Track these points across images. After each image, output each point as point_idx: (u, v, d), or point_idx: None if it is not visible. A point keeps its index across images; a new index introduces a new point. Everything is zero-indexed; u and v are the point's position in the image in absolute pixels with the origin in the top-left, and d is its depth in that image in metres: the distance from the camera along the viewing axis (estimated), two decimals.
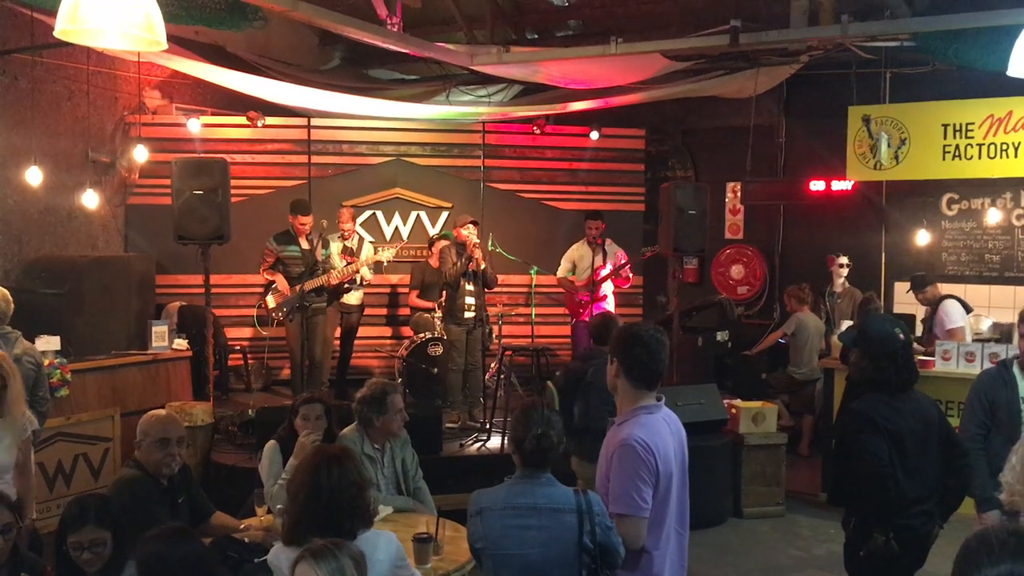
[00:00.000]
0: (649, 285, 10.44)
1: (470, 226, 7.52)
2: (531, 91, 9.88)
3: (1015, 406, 4.26)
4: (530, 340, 8.32)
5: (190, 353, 7.63)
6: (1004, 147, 8.08)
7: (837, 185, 9.11)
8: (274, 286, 7.82)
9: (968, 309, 7.94)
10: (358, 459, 3.56)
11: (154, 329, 7.44)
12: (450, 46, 8.07)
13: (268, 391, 9.17)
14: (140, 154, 8.19)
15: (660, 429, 3.12)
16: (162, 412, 4.31)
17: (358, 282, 8.16)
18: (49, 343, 6.19)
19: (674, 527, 3.17)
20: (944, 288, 8.19)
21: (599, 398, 5.16)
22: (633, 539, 3.03)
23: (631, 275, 8.60)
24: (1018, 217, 8.99)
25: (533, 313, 8.43)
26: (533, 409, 3.06)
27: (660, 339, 3.16)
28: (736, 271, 10.77)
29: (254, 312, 8.05)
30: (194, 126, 8.96)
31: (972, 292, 8.79)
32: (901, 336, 3.95)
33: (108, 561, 3.22)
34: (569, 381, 5.60)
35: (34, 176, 7.12)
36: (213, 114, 9.43)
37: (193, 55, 7.70)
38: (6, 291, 5.31)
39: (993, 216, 9.03)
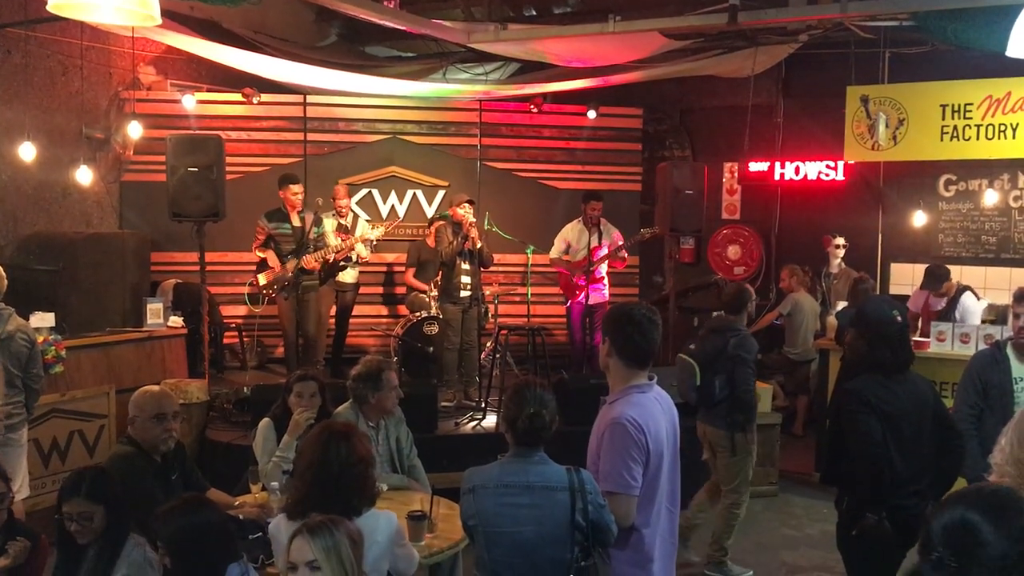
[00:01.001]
0: (645, 265, 10.43)
1: (466, 205, 7.50)
2: (529, 69, 9.81)
3: (1007, 387, 4.27)
4: (526, 320, 8.32)
5: (185, 330, 7.61)
6: (1002, 128, 8.05)
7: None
8: (266, 263, 7.80)
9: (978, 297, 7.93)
10: (364, 435, 3.57)
11: (149, 306, 7.41)
12: (447, 23, 8.01)
13: (263, 369, 9.16)
14: (134, 130, 8.15)
15: (652, 408, 3.12)
16: (155, 388, 4.32)
17: (353, 259, 8.13)
18: (44, 320, 6.16)
19: (665, 505, 3.19)
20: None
21: (743, 369, 5.59)
22: (623, 517, 3.04)
23: (627, 255, 8.57)
24: (1015, 199, 8.98)
25: (529, 292, 8.41)
26: (526, 388, 3.06)
27: (652, 319, 3.16)
28: (733, 251, 10.76)
29: (245, 290, 8.01)
30: (189, 102, 8.91)
31: (968, 273, 8.79)
32: (899, 318, 3.95)
33: (104, 536, 3.25)
34: (709, 355, 5.75)
35: (28, 152, 7.08)
36: (208, 90, 9.37)
37: (188, 30, 7.64)
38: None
39: (990, 197, 9.01)
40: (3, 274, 5.25)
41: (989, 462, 2.27)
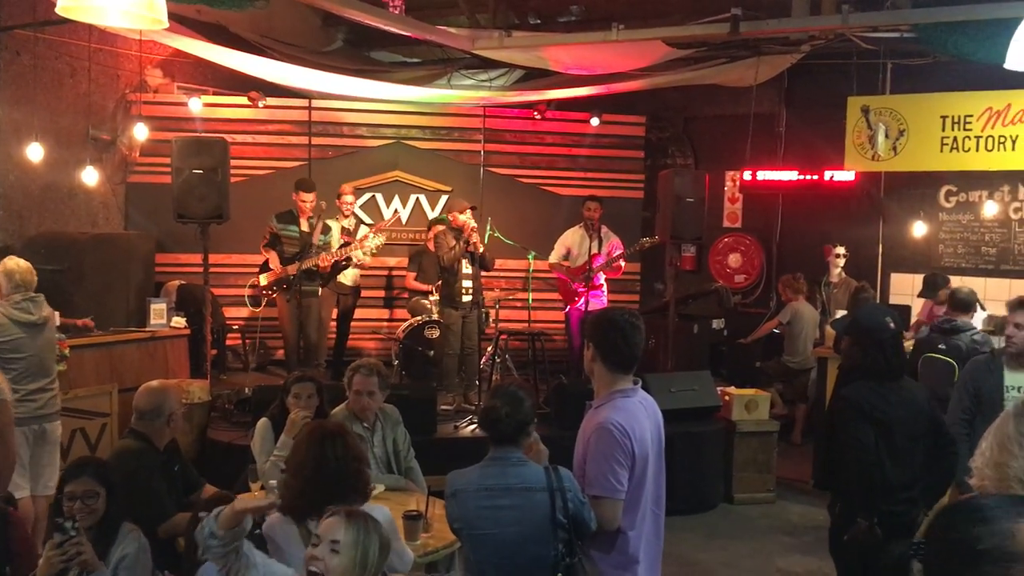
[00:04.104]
0: (647, 272, 10.48)
1: (469, 211, 7.54)
2: (533, 76, 9.88)
3: (998, 394, 4.32)
4: (526, 324, 8.38)
5: (188, 331, 7.68)
6: (1002, 140, 8.08)
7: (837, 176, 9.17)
8: (268, 264, 7.87)
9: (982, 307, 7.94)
10: (353, 434, 3.62)
11: (152, 307, 7.49)
12: (452, 29, 8.08)
13: (264, 370, 9.21)
14: (141, 132, 8.22)
15: (636, 412, 3.17)
16: (167, 382, 4.40)
17: (353, 260, 8.18)
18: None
19: (650, 508, 3.23)
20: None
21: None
22: (609, 520, 3.09)
23: (623, 264, 8.63)
24: (1015, 210, 9.01)
25: (530, 298, 8.47)
26: (501, 389, 3.15)
27: (635, 324, 3.20)
28: (734, 259, 10.80)
29: (246, 291, 8.06)
30: (195, 105, 8.98)
31: (968, 284, 8.74)
32: (891, 325, 4.00)
33: (102, 524, 3.32)
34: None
35: (35, 152, 7.15)
36: (215, 93, 9.44)
37: (195, 34, 7.71)
38: (28, 264, 5.52)
39: (990, 209, 9.04)
40: (32, 268, 5.50)
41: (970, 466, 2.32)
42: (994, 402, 4.28)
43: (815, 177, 9.39)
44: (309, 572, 2.46)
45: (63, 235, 7.84)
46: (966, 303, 6.21)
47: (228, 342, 9.13)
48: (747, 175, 9.63)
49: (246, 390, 7.39)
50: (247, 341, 9.27)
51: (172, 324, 7.56)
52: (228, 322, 9.05)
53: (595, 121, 9.89)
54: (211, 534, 2.66)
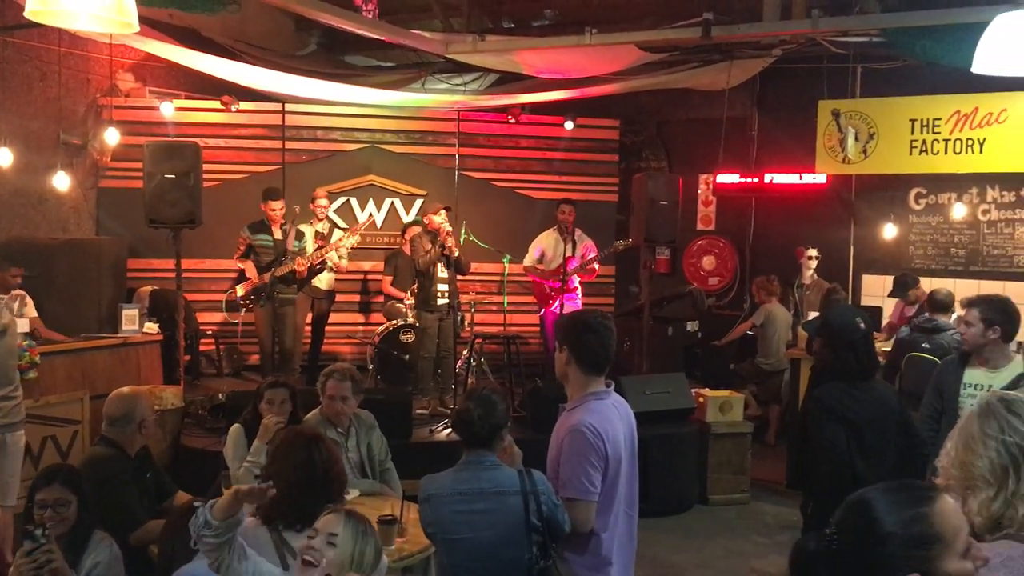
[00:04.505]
0: (621, 275, 10.52)
1: (443, 212, 7.54)
2: (507, 80, 9.89)
3: (955, 392, 4.38)
4: (502, 328, 8.39)
5: (161, 337, 7.61)
6: (970, 143, 8.19)
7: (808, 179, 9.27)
8: (245, 274, 7.84)
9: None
10: (328, 439, 3.63)
11: (124, 312, 7.42)
12: (425, 33, 8.08)
13: (239, 376, 9.17)
14: (112, 137, 8.16)
15: (610, 415, 3.18)
16: (138, 388, 4.37)
17: (329, 264, 8.16)
18: (19, 325, 6.16)
19: (623, 509, 3.24)
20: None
21: None
22: (583, 522, 3.10)
23: (597, 267, 8.67)
24: (983, 212, 9.12)
25: (505, 301, 8.48)
26: (475, 392, 3.16)
27: (608, 325, 3.23)
28: (708, 262, 10.87)
29: (223, 299, 8.03)
30: (167, 109, 8.91)
31: (938, 285, 8.83)
32: (862, 326, 4.03)
33: (73, 532, 3.29)
34: None
35: (4, 157, 7.09)
36: (187, 97, 9.37)
37: (167, 38, 7.65)
38: None
39: (959, 211, 9.17)
40: None
41: (936, 466, 2.35)
42: (952, 400, 4.35)
43: (787, 180, 9.47)
44: (303, 561, 2.45)
45: (33, 240, 7.77)
46: (944, 304, 6.30)
47: (202, 348, 9.07)
48: (720, 178, 9.69)
49: (220, 396, 7.35)
50: (221, 347, 9.21)
51: (144, 330, 7.49)
52: (202, 327, 8.99)
53: (569, 125, 9.93)
54: (206, 523, 2.63)
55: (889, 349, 6.74)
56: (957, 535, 1.67)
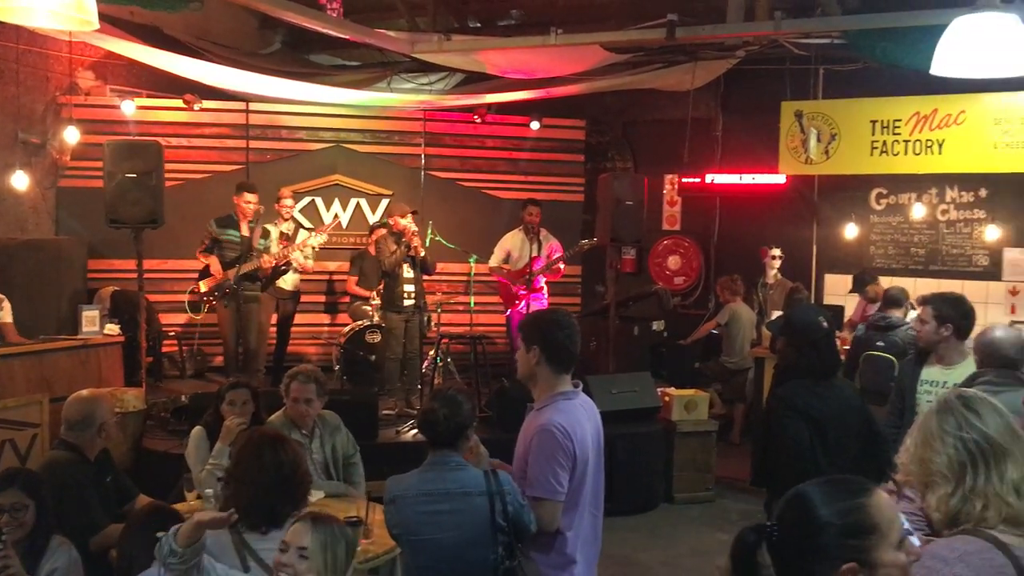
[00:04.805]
0: (587, 274, 10.55)
1: (409, 216, 7.52)
2: (473, 80, 9.89)
3: (912, 389, 4.45)
4: (468, 328, 8.38)
5: (122, 338, 7.50)
6: (929, 144, 8.32)
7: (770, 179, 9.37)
8: (209, 270, 7.74)
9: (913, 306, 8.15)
10: (292, 440, 3.60)
11: (84, 314, 7.30)
12: (391, 33, 8.04)
13: (202, 377, 9.06)
14: (72, 135, 8.05)
15: (578, 415, 3.18)
16: (97, 391, 4.30)
17: (293, 265, 8.10)
18: None
19: (589, 509, 3.25)
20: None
21: None
22: (549, 522, 3.10)
23: (563, 267, 8.70)
24: (942, 212, 9.26)
25: (472, 301, 8.47)
26: (440, 392, 3.16)
27: (574, 323, 3.24)
28: (673, 262, 10.94)
29: (186, 298, 7.93)
30: (128, 108, 8.79)
31: (898, 284, 9.01)
32: (824, 324, 4.07)
33: (32, 535, 3.24)
34: None
35: None
36: (148, 96, 9.25)
37: (128, 35, 7.56)
38: None
39: (919, 211, 9.31)
40: None
41: (895, 462, 2.38)
42: (911, 398, 4.42)
43: (751, 180, 9.56)
44: None
45: None
46: (896, 299, 6.43)
47: (164, 349, 8.95)
48: (685, 178, 9.76)
49: (183, 398, 7.26)
50: (184, 348, 9.10)
51: (105, 331, 7.38)
52: (164, 328, 8.88)
53: (535, 125, 9.94)
54: (171, 551, 2.61)
55: (850, 347, 6.83)
56: (892, 526, 1.72)
